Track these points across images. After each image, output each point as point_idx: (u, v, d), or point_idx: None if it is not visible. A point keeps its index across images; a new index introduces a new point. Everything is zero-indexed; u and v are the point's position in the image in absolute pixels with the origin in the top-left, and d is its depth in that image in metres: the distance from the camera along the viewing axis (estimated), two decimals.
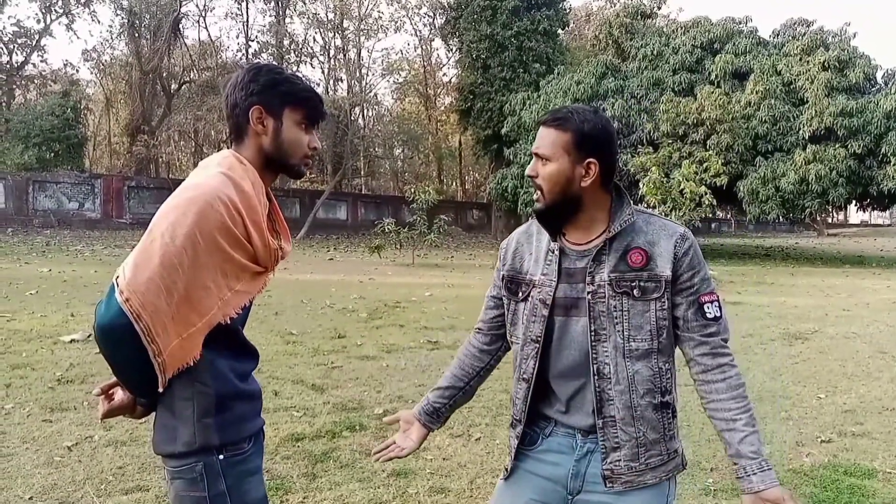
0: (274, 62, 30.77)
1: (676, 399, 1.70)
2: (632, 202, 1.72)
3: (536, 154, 1.67)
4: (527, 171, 1.71)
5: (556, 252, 1.70)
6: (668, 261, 1.62)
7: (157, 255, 1.45)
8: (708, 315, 1.64)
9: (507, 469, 1.81)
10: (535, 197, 1.71)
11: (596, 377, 1.64)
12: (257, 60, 30.52)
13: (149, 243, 1.47)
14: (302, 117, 1.65)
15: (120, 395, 1.66)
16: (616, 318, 1.62)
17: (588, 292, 1.64)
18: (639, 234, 1.66)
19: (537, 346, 1.71)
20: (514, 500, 1.77)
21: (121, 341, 1.47)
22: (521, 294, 1.76)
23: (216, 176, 1.55)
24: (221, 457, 1.59)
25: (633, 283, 1.62)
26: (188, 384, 1.56)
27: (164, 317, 1.46)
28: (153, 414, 1.65)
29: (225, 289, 1.56)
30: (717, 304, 1.66)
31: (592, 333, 1.64)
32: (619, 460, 1.64)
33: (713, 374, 1.65)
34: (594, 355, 1.64)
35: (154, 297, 1.44)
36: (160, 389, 1.54)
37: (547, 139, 1.65)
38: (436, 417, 1.93)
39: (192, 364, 1.54)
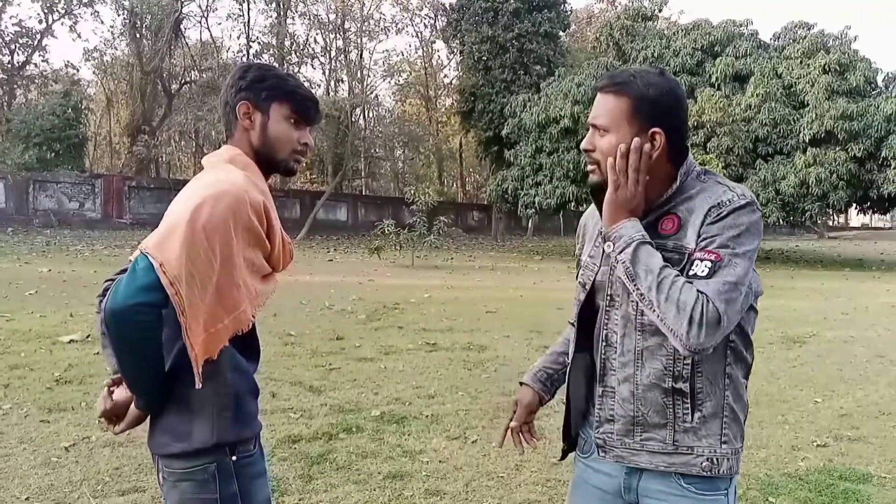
0: (274, 62, 30.82)
1: (710, 394, 1.46)
2: (696, 166, 1.52)
3: (593, 125, 1.49)
4: (582, 145, 1.52)
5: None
6: (696, 230, 1.41)
7: (182, 246, 1.41)
8: (690, 271, 1.38)
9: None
10: (589, 169, 1.53)
11: (603, 343, 1.52)
12: (257, 61, 30.51)
13: (170, 230, 1.43)
14: (290, 112, 1.65)
15: (121, 392, 1.59)
16: None
17: (610, 254, 1.47)
18: (683, 200, 1.46)
19: (574, 329, 1.63)
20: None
21: (142, 322, 1.40)
22: (577, 277, 1.67)
23: (239, 174, 1.56)
24: (234, 458, 1.57)
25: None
26: (210, 378, 1.51)
27: (196, 308, 1.44)
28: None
29: (252, 287, 1.56)
30: (709, 263, 1.36)
31: (608, 298, 1.51)
32: (612, 433, 1.52)
33: None
34: (605, 321, 1.52)
35: (187, 287, 1.41)
36: (198, 386, 1.47)
37: (604, 107, 1.47)
38: (550, 385, 1.79)
39: (214, 358, 1.51)
